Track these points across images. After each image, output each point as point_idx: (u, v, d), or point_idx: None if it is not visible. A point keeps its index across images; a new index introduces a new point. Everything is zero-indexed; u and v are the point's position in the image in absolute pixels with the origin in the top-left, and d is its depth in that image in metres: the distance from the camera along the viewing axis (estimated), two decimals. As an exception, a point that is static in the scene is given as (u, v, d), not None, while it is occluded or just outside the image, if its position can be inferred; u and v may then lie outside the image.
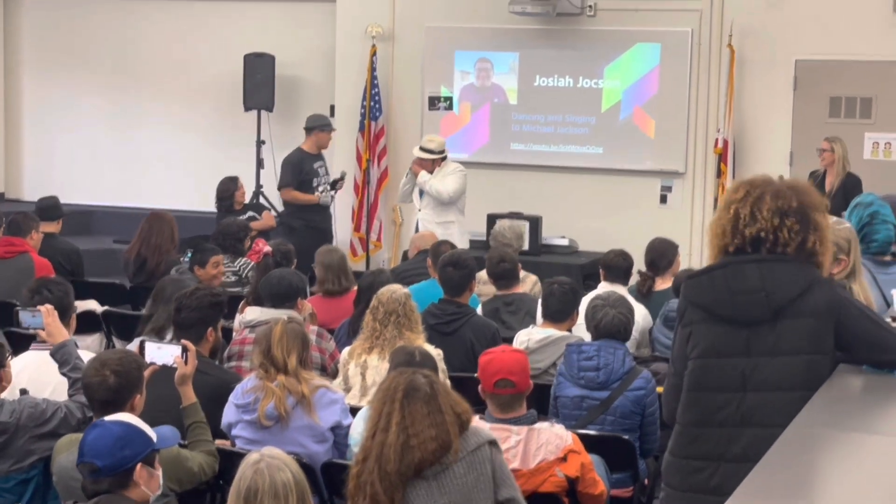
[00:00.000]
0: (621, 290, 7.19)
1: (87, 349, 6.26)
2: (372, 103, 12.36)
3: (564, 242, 11.21)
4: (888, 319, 4.12)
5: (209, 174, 11.87)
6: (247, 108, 12.86)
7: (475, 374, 5.20)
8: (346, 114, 12.64)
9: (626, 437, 5.55)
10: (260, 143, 12.80)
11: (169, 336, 6.02)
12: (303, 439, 5.24)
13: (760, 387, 3.66)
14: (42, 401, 5.06)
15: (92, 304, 8.03)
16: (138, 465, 3.99)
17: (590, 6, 11.82)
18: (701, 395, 3.75)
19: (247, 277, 8.68)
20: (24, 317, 5.52)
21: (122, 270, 9.36)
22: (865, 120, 11.15)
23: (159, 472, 4.12)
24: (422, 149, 10.32)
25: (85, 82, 14.16)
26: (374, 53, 12.38)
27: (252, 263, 8.63)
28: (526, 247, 10.27)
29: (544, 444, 4.85)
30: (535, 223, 10.81)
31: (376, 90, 12.37)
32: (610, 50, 11.83)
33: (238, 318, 7.08)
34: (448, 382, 5.25)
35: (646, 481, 5.81)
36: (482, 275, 7.92)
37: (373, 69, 12.36)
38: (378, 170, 12.47)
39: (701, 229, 11.52)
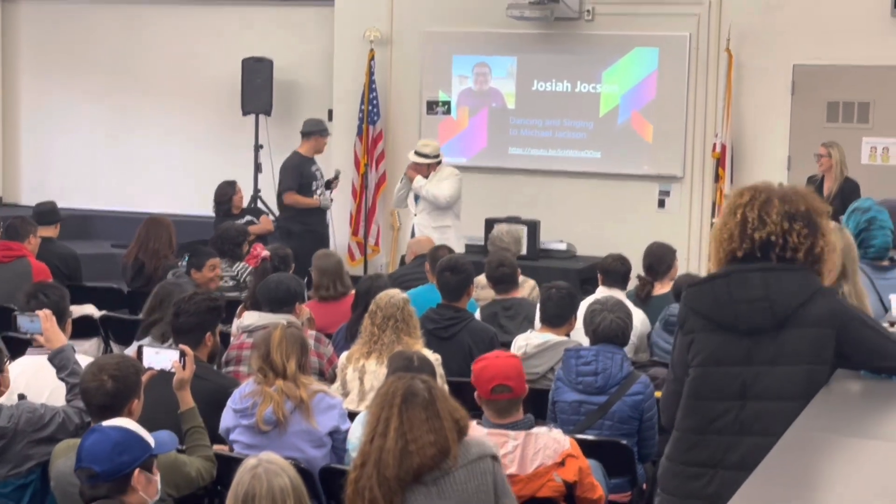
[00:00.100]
0: (619, 294, 7.19)
1: (85, 354, 6.25)
2: (370, 107, 12.36)
3: (562, 247, 11.21)
4: (886, 324, 4.13)
5: (207, 178, 11.87)
6: (245, 113, 12.86)
7: (473, 380, 5.20)
8: (344, 118, 12.65)
9: (624, 441, 5.55)
10: (258, 147, 12.80)
11: (169, 341, 6.02)
12: (301, 444, 5.23)
13: (760, 396, 3.66)
14: (40, 406, 5.06)
15: (90, 309, 8.02)
16: (136, 471, 3.99)
17: (588, 10, 11.83)
18: (701, 403, 3.75)
19: (245, 282, 8.68)
20: (23, 322, 5.52)
21: (120, 275, 9.36)
22: (863, 125, 11.16)
23: (157, 478, 4.12)
24: (416, 153, 10.32)
25: (83, 86, 14.16)
26: (372, 58, 12.39)
27: (250, 268, 8.63)
28: (524, 251, 10.27)
29: (542, 448, 4.84)
30: (534, 227, 10.82)
31: (374, 94, 12.37)
32: (608, 54, 11.83)
33: (236, 322, 7.08)
34: (446, 387, 5.25)
35: (644, 486, 5.81)
36: (480, 279, 7.91)
37: (371, 73, 12.36)
38: (376, 174, 12.48)
39: (699, 234, 11.54)
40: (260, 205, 12.38)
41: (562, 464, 4.85)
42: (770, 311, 3.65)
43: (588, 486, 4.92)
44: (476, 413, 4.84)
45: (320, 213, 11.20)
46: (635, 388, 5.71)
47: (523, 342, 6.44)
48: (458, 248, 9.58)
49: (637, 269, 8.00)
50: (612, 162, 11.90)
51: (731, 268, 3.76)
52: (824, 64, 11.17)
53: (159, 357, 5.20)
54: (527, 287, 8.08)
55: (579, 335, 6.40)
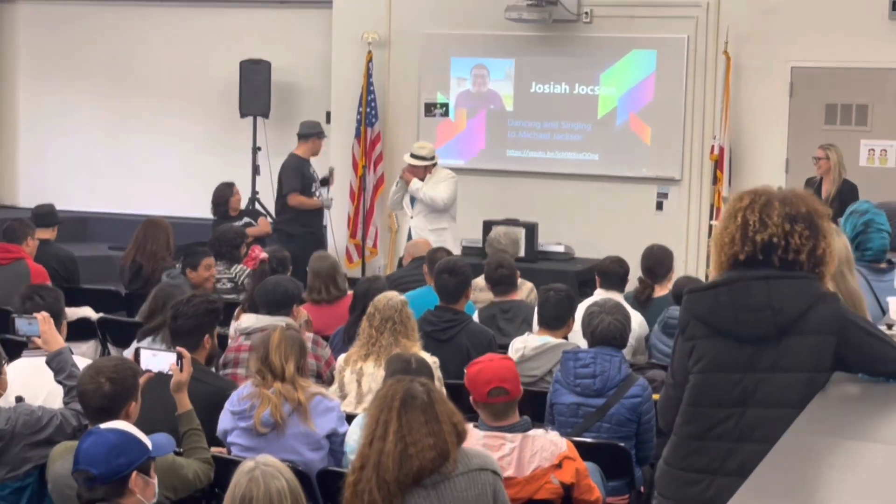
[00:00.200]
0: (617, 296, 7.19)
1: (83, 356, 6.25)
2: (368, 109, 12.36)
3: (560, 249, 11.20)
4: (883, 327, 4.12)
5: (205, 181, 11.87)
6: (243, 115, 12.86)
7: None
8: (342, 120, 12.65)
9: (622, 444, 5.55)
10: (256, 149, 12.80)
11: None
12: (299, 447, 5.23)
13: (761, 403, 3.65)
14: (38, 408, 5.06)
15: (87, 311, 8.02)
16: (134, 473, 3.99)
17: (586, 13, 11.83)
18: (701, 410, 3.75)
19: (242, 284, 8.67)
20: (21, 324, 5.52)
21: (117, 277, 9.36)
22: (861, 127, 11.16)
23: (155, 481, 4.12)
24: (412, 156, 10.31)
25: (80, 89, 14.17)
26: (370, 60, 12.39)
27: (248, 270, 8.63)
28: (522, 253, 10.26)
29: (539, 451, 4.84)
30: (532, 230, 10.81)
31: (372, 96, 12.37)
32: (606, 56, 11.84)
33: (233, 325, 7.08)
34: (444, 390, 5.25)
35: (641, 489, 5.81)
36: (478, 281, 7.91)
37: (369, 75, 12.36)
38: (374, 176, 12.47)
39: (697, 236, 11.54)
40: (258, 207, 12.38)
41: (559, 466, 4.85)
42: (773, 319, 3.65)
43: (585, 488, 4.92)
44: (472, 416, 4.84)
45: (319, 215, 11.20)
46: (633, 391, 5.71)
47: (521, 344, 6.44)
48: (455, 251, 9.59)
49: (635, 271, 8.00)
50: (611, 164, 11.90)
51: (734, 275, 3.75)
52: (823, 66, 11.18)
53: (157, 359, 5.20)
54: (525, 289, 8.08)
55: (577, 337, 6.40)
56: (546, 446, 4.84)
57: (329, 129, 12.32)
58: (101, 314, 8.06)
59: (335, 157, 12.39)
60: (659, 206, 11.80)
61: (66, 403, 5.15)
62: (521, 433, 4.86)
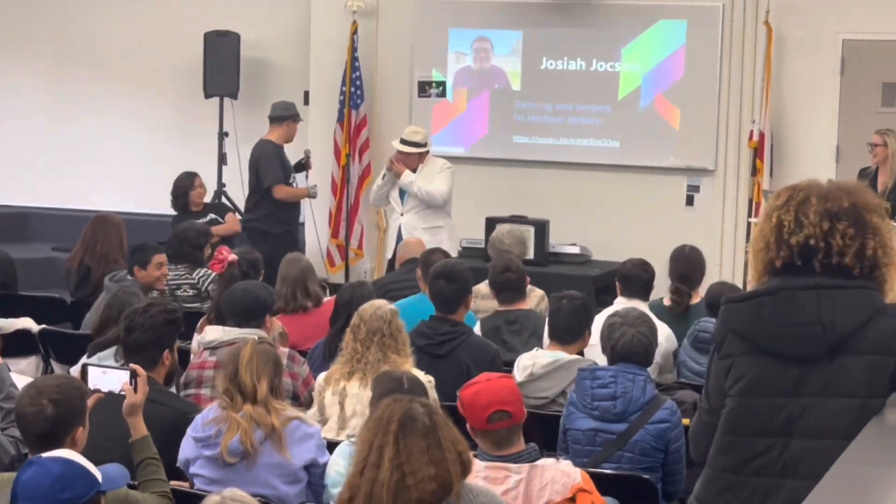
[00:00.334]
0: (641, 305, 7.19)
1: (22, 374, 6.26)
2: (352, 89, 12.37)
3: (575, 250, 11.22)
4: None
5: (163, 171, 11.87)
6: (207, 96, 12.87)
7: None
8: (323, 102, 12.65)
9: (647, 476, 5.55)
10: (223, 135, 12.80)
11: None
12: (272, 479, 5.23)
13: (808, 433, 3.65)
14: (-32, 435, 5.06)
15: (27, 322, 8.01)
16: (81, 510, 3.99)
17: (605, -23, 11.87)
18: (738, 440, 3.74)
19: (207, 291, 8.68)
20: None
21: (62, 283, 9.36)
22: (924, 109, 11.20)
23: (105, 518, 4.12)
24: (403, 142, 10.31)
25: (19, 67, 14.16)
26: (354, 31, 12.40)
27: (213, 275, 8.61)
28: (530, 255, 10.26)
29: (549, 482, 4.83)
30: (541, 228, 10.83)
31: (357, 74, 12.38)
32: (628, 28, 11.85)
33: (196, 338, 7.08)
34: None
35: (669, 528, 5.82)
36: (480, 288, 7.92)
37: (353, 50, 12.37)
38: (359, 166, 12.48)
39: (733, 236, 11.55)
40: (224, 201, 12.38)
41: (572, 500, 4.85)
42: (823, 335, 3.65)
43: (603, 526, 4.92)
44: (470, 444, 4.84)
45: (297, 210, 11.22)
46: (660, 415, 5.71)
47: (529, 362, 6.44)
48: (451, 252, 9.59)
49: (661, 276, 8.00)
50: (633, 152, 11.92)
51: (778, 284, 3.74)
52: (878, 39, 11.19)
53: (107, 378, 5.20)
54: (534, 297, 8.09)
55: (595, 353, 6.40)
56: (557, 477, 4.84)
57: (307, 111, 12.31)
58: (42, 325, 8.05)
59: (314, 145, 12.37)
60: (689, 200, 11.82)
61: (2, 430, 5.15)
62: (527, 463, 4.86)
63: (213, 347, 6.55)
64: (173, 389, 6.11)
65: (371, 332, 6.04)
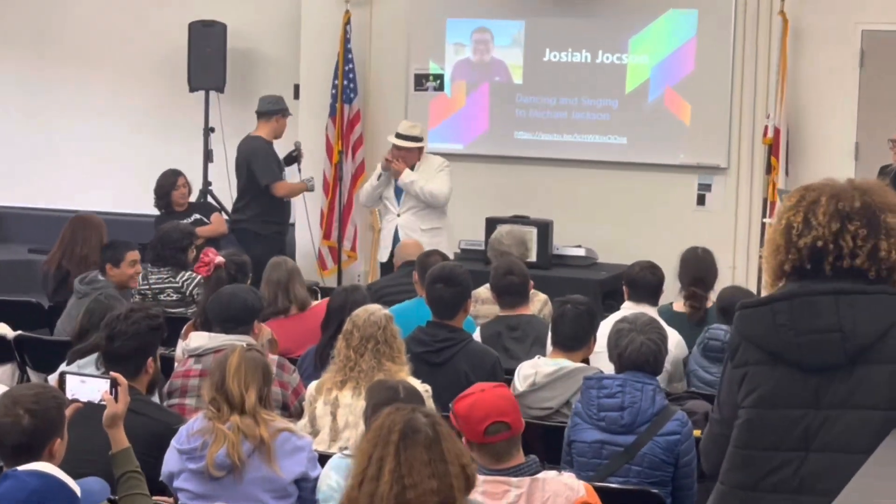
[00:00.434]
0: (650, 311, 7.20)
1: (-4, 383, 6.25)
2: (345, 82, 12.37)
3: (580, 253, 11.22)
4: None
5: (146, 169, 11.88)
6: (192, 89, 12.87)
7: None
8: (314, 96, 12.65)
9: (656, 490, 5.55)
10: (208, 130, 12.81)
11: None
12: (260, 494, 5.23)
13: (827, 447, 3.63)
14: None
15: (2, 328, 8.01)
16: (58, 526, 3.99)
17: (611, -36, 11.88)
18: (753, 453, 3.73)
19: (192, 295, 8.68)
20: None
21: (38, 286, 9.35)
22: (949, 104, 11.20)
23: (84, 535, 4.12)
24: (400, 136, 10.30)
25: (-6, 57, 14.18)
26: (347, 21, 12.40)
27: (198, 278, 8.62)
28: (533, 257, 10.24)
29: (551, 496, 4.84)
30: (544, 229, 10.83)
31: (350, 66, 12.38)
32: (636, 18, 11.86)
33: (181, 345, 7.07)
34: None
35: (679, 545, 5.82)
36: (480, 292, 7.92)
37: (346, 41, 12.37)
38: (353, 163, 12.48)
39: (746, 237, 11.55)
40: (210, 200, 12.37)
41: (577, 515, 4.86)
42: (842, 344, 3.64)
43: (610, 543, 4.93)
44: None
45: (287, 210, 11.22)
46: (670, 427, 5.71)
47: (531, 370, 6.44)
48: (448, 254, 9.59)
49: (670, 280, 8.01)
50: (641, 149, 11.92)
51: (795, 288, 3.74)
52: (900, 30, 11.21)
53: (86, 387, 5.19)
54: (537, 302, 8.09)
55: (601, 360, 6.40)
56: (560, 491, 4.84)
57: (296, 106, 12.32)
58: (18, 332, 8.05)
59: (304, 141, 12.36)
60: (700, 200, 11.82)
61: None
62: (528, 476, 4.86)
63: (198, 355, 6.55)
64: (156, 399, 6.11)
65: (365, 338, 6.04)
